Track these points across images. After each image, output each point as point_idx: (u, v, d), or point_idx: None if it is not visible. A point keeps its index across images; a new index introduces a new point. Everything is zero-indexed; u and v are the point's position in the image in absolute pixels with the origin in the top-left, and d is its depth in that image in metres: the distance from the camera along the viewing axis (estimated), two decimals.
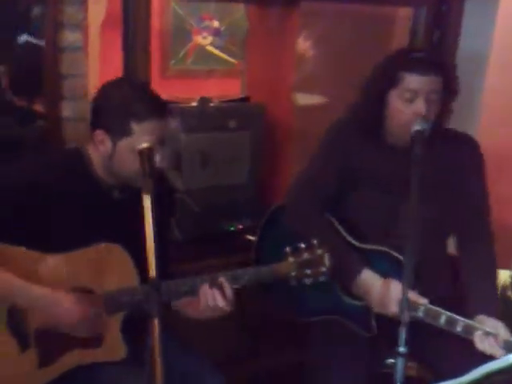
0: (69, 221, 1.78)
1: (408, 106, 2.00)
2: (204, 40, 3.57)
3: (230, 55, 3.62)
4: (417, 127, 1.97)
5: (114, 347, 1.82)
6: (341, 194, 2.20)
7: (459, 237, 2.21)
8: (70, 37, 2.34)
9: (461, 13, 2.50)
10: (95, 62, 3.15)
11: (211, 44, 3.60)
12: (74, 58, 2.39)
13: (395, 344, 1.61)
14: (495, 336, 1.86)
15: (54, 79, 2.36)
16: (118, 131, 1.75)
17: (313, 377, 2.09)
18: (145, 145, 1.69)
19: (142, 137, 1.73)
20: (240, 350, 2.82)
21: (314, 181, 2.21)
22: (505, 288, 2.72)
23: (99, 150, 1.81)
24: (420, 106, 1.98)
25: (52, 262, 1.76)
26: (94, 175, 1.85)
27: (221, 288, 1.82)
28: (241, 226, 2.80)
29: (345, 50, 3.07)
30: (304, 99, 3.29)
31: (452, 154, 2.15)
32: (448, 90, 2.03)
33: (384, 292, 1.99)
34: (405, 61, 2.01)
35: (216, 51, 3.59)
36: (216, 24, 3.57)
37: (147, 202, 1.51)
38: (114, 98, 1.79)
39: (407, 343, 1.61)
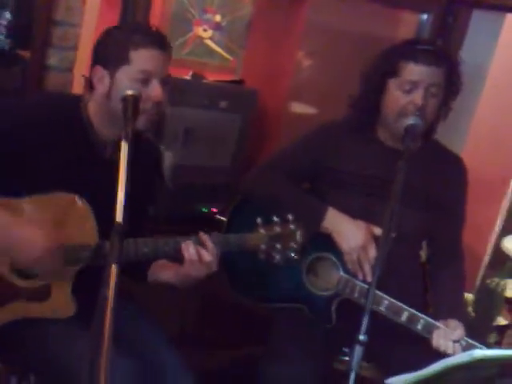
0: (51, 169, 1.71)
1: (406, 96, 1.98)
2: (204, 33, 3.56)
3: (226, 51, 3.61)
4: (411, 121, 1.95)
5: (62, 304, 1.75)
6: (316, 190, 2.16)
7: (433, 249, 2.20)
8: None
9: (466, 26, 2.53)
10: (93, 14, 3.11)
11: (210, 38, 3.59)
12: (70, 6, 2.36)
13: (351, 338, 1.56)
14: (453, 334, 1.85)
15: (45, 25, 2.32)
16: (116, 61, 1.71)
17: (265, 368, 2.04)
18: (130, 92, 1.65)
19: (140, 65, 1.70)
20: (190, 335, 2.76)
21: (285, 158, 2.19)
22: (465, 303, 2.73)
23: (98, 90, 1.75)
24: (418, 96, 1.96)
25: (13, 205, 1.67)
26: (89, 125, 1.79)
27: (203, 244, 1.76)
28: (214, 209, 2.74)
29: (342, 67, 3.07)
30: (296, 107, 3.28)
31: (440, 166, 2.14)
32: (449, 85, 2.02)
33: (363, 234, 1.97)
34: (409, 50, 1.99)
35: (214, 46, 3.58)
36: (218, 18, 3.57)
37: (125, 148, 1.46)
38: (113, 33, 1.77)
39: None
